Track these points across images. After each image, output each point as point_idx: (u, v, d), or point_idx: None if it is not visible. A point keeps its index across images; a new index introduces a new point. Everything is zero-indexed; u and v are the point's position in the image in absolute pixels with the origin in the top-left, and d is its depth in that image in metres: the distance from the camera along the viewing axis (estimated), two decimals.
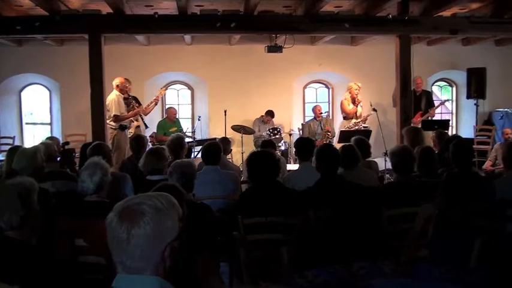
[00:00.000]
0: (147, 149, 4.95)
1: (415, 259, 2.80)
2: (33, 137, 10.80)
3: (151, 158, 4.64)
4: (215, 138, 9.18)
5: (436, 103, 10.10)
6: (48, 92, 10.84)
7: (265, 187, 3.81)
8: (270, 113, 10.08)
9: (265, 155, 4.02)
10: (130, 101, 8.40)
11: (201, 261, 2.10)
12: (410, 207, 3.69)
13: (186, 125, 10.44)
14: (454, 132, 11.13)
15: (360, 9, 7.88)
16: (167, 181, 3.91)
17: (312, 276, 2.60)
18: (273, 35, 8.84)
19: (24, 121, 10.90)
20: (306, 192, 3.89)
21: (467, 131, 11.05)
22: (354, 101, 9.24)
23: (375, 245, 3.71)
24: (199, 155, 8.95)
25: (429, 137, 7.21)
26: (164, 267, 1.59)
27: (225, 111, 9.47)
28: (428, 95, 9.83)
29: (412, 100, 8.48)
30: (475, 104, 10.22)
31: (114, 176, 4.03)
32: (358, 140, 5.45)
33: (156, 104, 9.14)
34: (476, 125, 10.48)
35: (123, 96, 8.17)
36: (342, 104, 9.45)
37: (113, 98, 7.94)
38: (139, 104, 8.80)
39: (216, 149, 4.99)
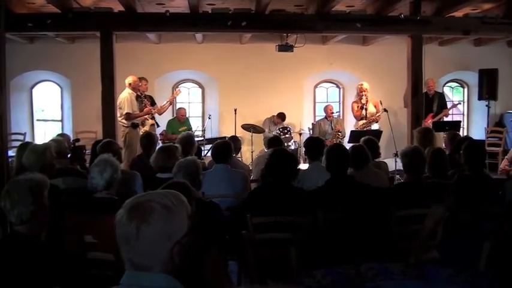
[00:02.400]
0: (159, 147, 4.95)
1: (424, 261, 2.79)
2: (44, 134, 10.86)
3: (163, 155, 4.63)
4: (225, 137, 9.23)
5: (448, 104, 10.04)
6: (59, 89, 10.91)
7: (275, 186, 3.80)
8: (281, 116, 10.03)
9: (289, 154, 4.02)
10: (143, 100, 8.45)
11: (210, 259, 2.11)
12: (420, 208, 3.68)
13: (196, 124, 10.48)
14: (465, 134, 11.04)
15: (372, 9, 7.84)
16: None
17: (320, 276, 2.59)
18: (284, 34, 8.82)
19: (35, 118, 10.97)
20: (315, 192, 3.89)
21: (478, 132, 10.97)
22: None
23: (384, 245, 3.70)
24: (209, 154, 9.03)
25: (441, 138, 7.17)
26: (173, 265, 1.59)
27: (235, 110, 9.48)
28: (441, 97, 9.77)
29: (424, 102, 8.41)
30: (486, 106, 10.12)
31: (124, 173, 4.05)
32: (367, 140, 5.43)
33: (170, 104, 9.26)
34: (488, 126, 10.40)
35: (135, 94, 8.21)
36: (351, 106, 9.47)
37: (125, 96, 7.98)
38: (154, 104, 8.86)
39: (226, 147, 4.98)
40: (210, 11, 7.57)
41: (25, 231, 2.66)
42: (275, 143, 5.91)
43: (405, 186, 4.17)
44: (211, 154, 5.01)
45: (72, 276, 2.67)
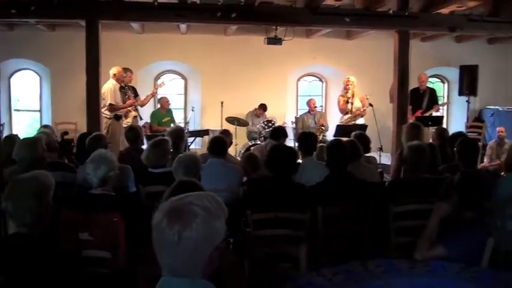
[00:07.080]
0: (150, 142, 4.85)
1: (430, 257, 2.81)
2: (19, 124, 10.57)
3: (156, 151, 4.55)
4: (208, 130, 9.17)
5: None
6: (38, 78, 10.63)
7: (276, 181, 3.77)
8: (263, 107, 10.03)
9: (290, 149, 4.00)
10: (126, 91, 8.30)
11: (227, 260, 2.06)
12: (417, 204, 3.70)
13: (179, 116, 10.35)
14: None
15: (361, 3, 7.83)
16: (170, 174, 3.86)
17: (330, 274, 2.58)
18: (273, 27, 8.73)
19: (13, 108, 10.66)
20: (316, 187, 3.86)
21: (458, 127, 11.07)
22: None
23: (382, 241, 3.72)
24: (193, 146, 8.94)
25: (427, 133, 7.25)
26: (210, 270, 1.54)
27: (222, 103, 9.39)
28: (433, 92, 9.70)
29: (411, 97, 8.42)
30: (466, 101, 10.28)
31: None
32: (358, 135, 5.45)
33: (153, 97, 9.10)
34: (467, 121, 10.55)
35: (119, 85, 8.05)
36: (337, 99, 9.45)
37: (109, 86, 7.81)
38: (137, 95, 8.70)
39: (224, 141, 4.93)
40: (198, 1, 7.45)
41: (26, 232, 2.60)
42: (279, 133, 5.89)
43: (403, 182, 4.19)
44: (209, 147, 4.91)
45: (67, 274, 2.59)
